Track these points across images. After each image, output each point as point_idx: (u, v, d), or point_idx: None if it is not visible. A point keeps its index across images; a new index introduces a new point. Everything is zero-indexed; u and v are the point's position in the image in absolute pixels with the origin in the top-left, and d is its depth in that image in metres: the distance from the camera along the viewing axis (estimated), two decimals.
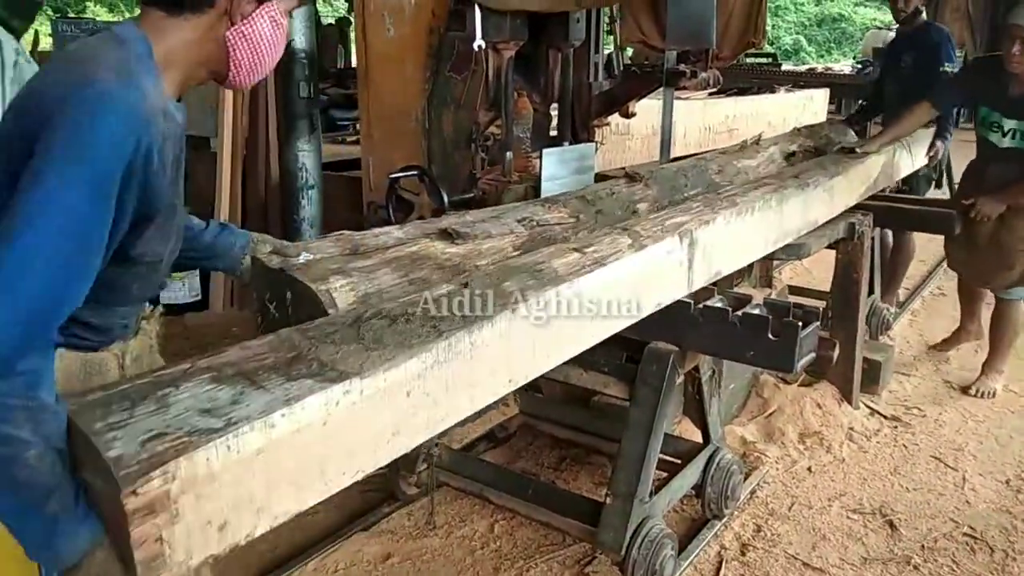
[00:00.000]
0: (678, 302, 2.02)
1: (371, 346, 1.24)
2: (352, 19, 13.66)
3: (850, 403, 3.33)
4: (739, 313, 2.01)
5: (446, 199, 2.94)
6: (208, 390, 1.06)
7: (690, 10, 2.86)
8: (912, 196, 3.89)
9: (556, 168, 3.14)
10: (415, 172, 3.05)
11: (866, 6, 35.44)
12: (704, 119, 5.49)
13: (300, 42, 3.72)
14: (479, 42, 3.15)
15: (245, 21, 1.28)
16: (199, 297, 4.51)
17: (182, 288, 4.46)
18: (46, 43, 7.06)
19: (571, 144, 3.65)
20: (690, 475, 2.42)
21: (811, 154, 3.40)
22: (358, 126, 6.73)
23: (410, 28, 3.36)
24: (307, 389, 1.10)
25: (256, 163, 4.56)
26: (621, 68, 4.56)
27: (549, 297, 1.54)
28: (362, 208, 3.90)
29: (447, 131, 3.43)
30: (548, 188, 3.10)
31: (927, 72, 4.00)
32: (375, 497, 2.69)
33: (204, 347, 1.23)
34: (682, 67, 3.16)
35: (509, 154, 3.28)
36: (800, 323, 1.94)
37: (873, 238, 3.40)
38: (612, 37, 4.37)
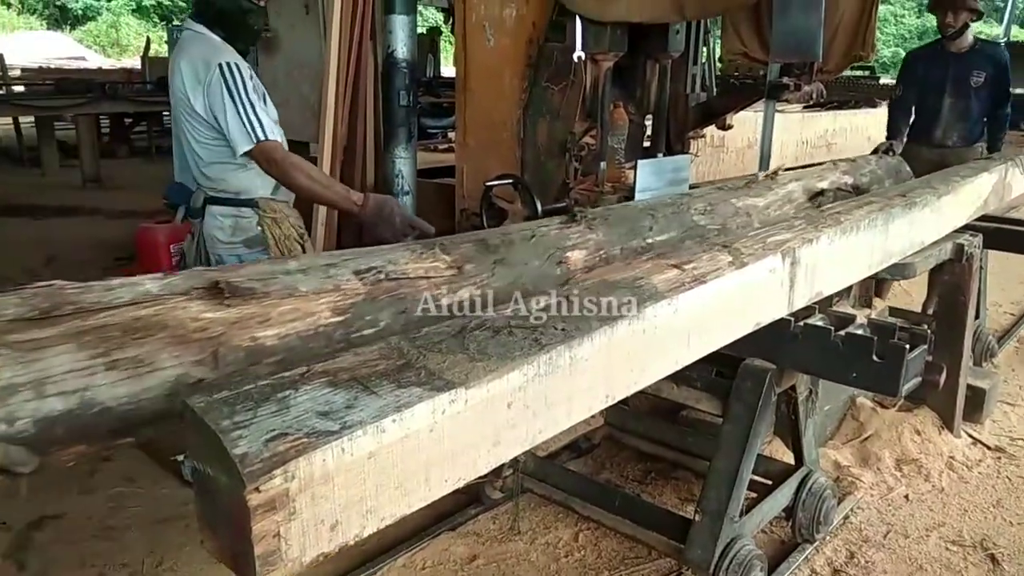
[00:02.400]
0: (778, 319, 1.98)
1: (476, 357, 1.27)
2: (444, 29, 13.96)
3: (951, 431, 3.19)
4: (842, 333, 1.96)
5: (539, 208, 2.96)
6: (325, 393, 1.10)
7: (797, 22, 2.80)
8: None
9: (650, 179, 3.13)
10: (510, 180, 3.09)
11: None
12: (801, 133, 5.37)
13: (402, 52, 3.82)
14: (579, 53, 3.18)
15: None
16: None
17: None
18: (161, 49, 7.42)
19: (665, 155, 3.63)
20: (782, 497, 2.37)
21: (847, 194, 2.82)
22: (449, 134, 6.88)
23: (510, 39, 3.40)
24: (416, 397, 1.13)
25: (353, 169, 4.68)
26: (714, 80, 4.53)
27: (648, 313, 1.54)
28: (453, 214, 3.97)
29: (542, 141, 3.46)
30: (641, 199, 3.10)
31: (999, 89, 4.24)
32: (462, 499, 2.74)
33: None
34: (785, 80, 3.10)
35: (603, 164, 3.29)
36: (907, 346, 1.87)
37: (981, 260, 3.25)
38: (706, 49, 4.33)
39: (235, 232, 2.66)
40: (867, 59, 3.23)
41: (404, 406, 1.11)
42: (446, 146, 6.27)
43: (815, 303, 2.15)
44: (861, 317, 2.35)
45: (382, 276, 1.48)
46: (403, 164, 3.98)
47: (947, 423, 3.19)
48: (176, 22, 22.49)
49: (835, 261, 2.16)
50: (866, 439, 3.10)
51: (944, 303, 3.15)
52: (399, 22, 3.80)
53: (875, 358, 1.90)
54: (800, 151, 5.26)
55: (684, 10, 3.06)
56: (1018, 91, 13.70)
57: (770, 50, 3.00)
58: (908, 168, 3.49)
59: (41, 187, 8.96)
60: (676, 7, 3.05)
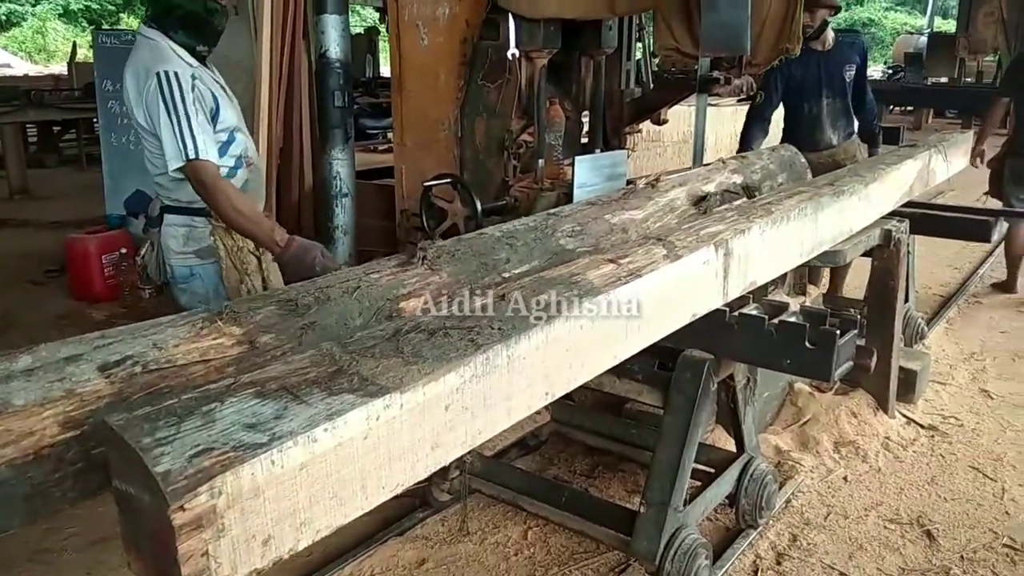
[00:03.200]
0: (714, 309, 2.01)
1: (410, 360, 1.25)
2: (381, 29, 13.83)
3: (886, 412, 3.29)
4: (775, 321, 2.00)
5: (479, 207, 2.96)
6: (252, 405, 1.07)
7: (724, 17, 2.84)
8: (949, 204, 3.83)
9: (588, 175, 3.15)
10: (449, 180, 3.08)
11: (896, 11, 35.06)
12: (735, 125, 5.46)
13: (335, 52, 3.77)
14: (513, 50, 3.18)
15: None
16: None
17: None
18: (88, 55, 7.21)
19: (603, 151, 3.66)
20: (724, 484, 2.41)
21: (735, 195, 2.69)
22: (389, 135, 6.81)
23: (444, 38, 3.39)
24: (348, 404, 1.11)
25: (290, 171, 4.62)
26: (648, 75, 4.56)
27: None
28: (395, 215, 3.94)
29: (479, 139, 3.46)
30: (580, 195, 3.11)
31: (863, 75, 4.28)
32: (409, 503, 2.72)
33: None
34: (716, 74, 3.14)
35: (541, 161, 3.30)
36: (838, 331, 1.92)
37: (909, 245, 3.35)
38: (640, 45, 4.36)
39: (188, 242, 2.58)
40: (793, 52, 3.29)
41: (336, 414, 1.09)
42: (386, 146, 6.20)
43: (750, 292, 2.19)
44: (794, 305, 2.41)
45: (137, 369, 1.21)
46: (340, 166, 3.93)
47: (882, 404, 3.28)
48: (105, 26, 21.85)
49: (767, 251, 2.20)
50: (805, 423, 3.17)
51: (874, 288, 3.24)
52: (331, 22, 3.75)
53: (808, 345, 1.94)
54: (734, 143, 5.36)
55: (614, 6, 3.09)
56: (942, 80, 14.06)
57: (700, 44, 3.03)
58: (803, 159, 3.36)
59: None
60: (607, 3, 3.08)
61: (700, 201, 2.56)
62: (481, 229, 2.83)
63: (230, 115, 2.62)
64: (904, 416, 3.38)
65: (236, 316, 1.39)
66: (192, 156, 2.36)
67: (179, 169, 2.40)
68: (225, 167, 2.61)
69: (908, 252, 3.28)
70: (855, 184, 2.76)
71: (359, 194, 4.19)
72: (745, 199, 2.82)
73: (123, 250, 5.06)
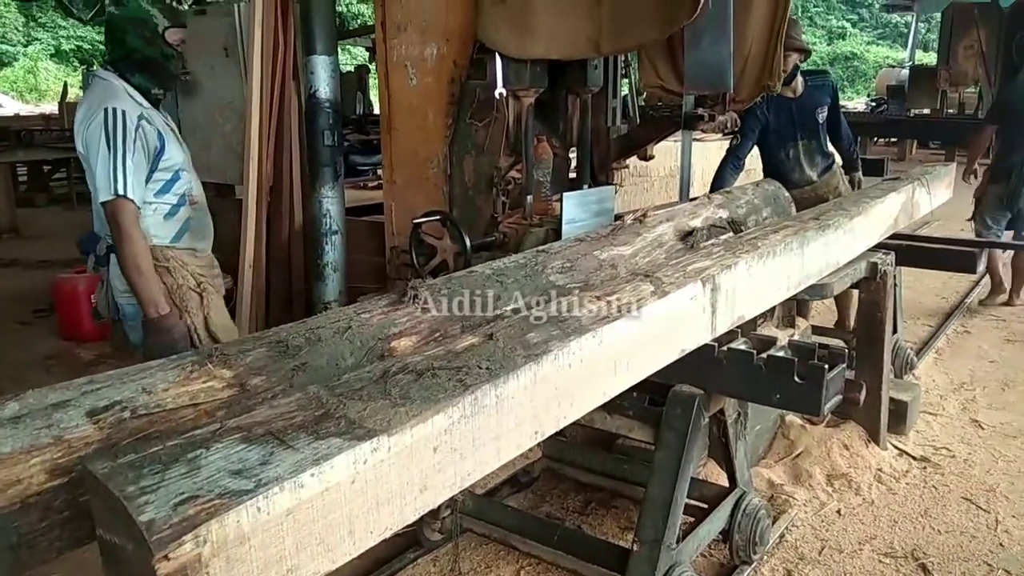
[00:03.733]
0: (703, 344, 2.01)
1: (398, 402, 1.25)
2: (371, 67, 13.99)
3: (877, 444, 3.29)
4: (764, 356, 2.00)
5: (468, 243, 2.97)
6: (238, 451, 1.07)
7: (707, 56, 2.89)
8: (934, 236, 3.87)
9: (576, 210, 3.17)
10: (438, 217, 3.09)
11: (878, 44, 35.72)
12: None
13: (324, 92, 3.80)
14: (500, 90, 3.21)
15: None
16: None
17: None
18: (78, 94, 7.26)
19: (590, 187, 3.69)
20: (717, 520, 2.39)
21: (721, 230, 2.70)
22: (378, 171, 6.86)
23: (432, 78, 3.43)
24: (335, 448, 1.11)
25: (280, 209, 4.63)
26: (635, 112, 4.62)
27: (574, 348, 1.55)
28: (384, 252, 3.95)
29: (468, 176, 3.48)
30: (568, 231, 3.13)
31: (836, 112, 4.34)
32: (400, 543, 2.69)
33: None
34: (700, 111, 3.18)
35: (529, 198, 3.32)
36: (826, 365, 1.92)
37: (896, 276, 3.37)
38: (627, 82, 4.42)
39: None
40: (774, 89, 3.34)
41: (323, 458, 1.09)
42: (376, 183, 6.24)
43: (738, 327, 2.20)
44: (783, 338, 2.42)
45: (126, 414, 1.19)
46: (330, 203, 3.94)
47: (873, 436, 3.28)
48: (96, 66, 22.01)
49: (754, 285, 2.21)
50: (797, 456, 3.17)
51: (862, 320, 3.25)
52: (320, 62, 3.79)
53: (796, 379, 1.95)
54: None
55: (600, 46, 3.13)
56: (925, 111, 14.24)
57: (684, 82, 3.08)
58: (787, 193, 3.33)
59: None
60: (592, 43, 3.12)
61: (687, 236, 2.57)
62: (471, 266, 2.85)
63: (176, 154, 2.72)
64: (896, 448, 3.37)
65: (226, 358, 1.37)
66: (120, 192, 2.44)
67: (105, 203, 2.47)
68: (168, 204, 2.71)
69: (895, 284, 3.31)
70: (840, 218, 2.79)
71: (349, 231, 4.21)
72: (731, 233, 2.85)
73: None
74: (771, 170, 4.32)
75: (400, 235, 3.73)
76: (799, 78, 4.22)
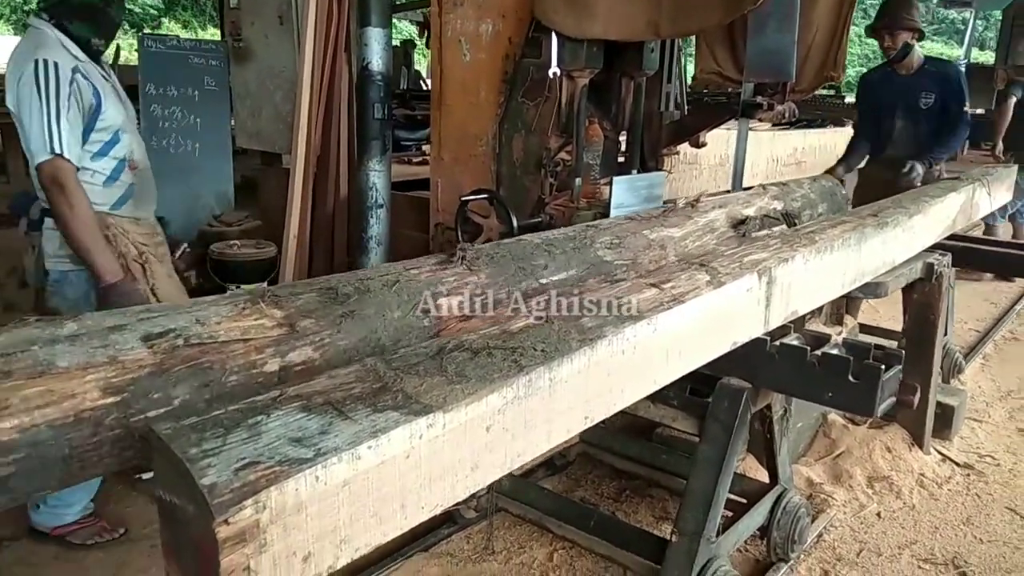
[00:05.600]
0: (754, 338, 1.98)
1: (454, 379, 1.24)
2: (417, 42, 13.94)
3: (921, 448, 3.22)
4: (818, 353, 1.96)
5: (515, 223, 2.95)
6: (298, 419, 1.07)
7: (771, 43, 2.83)
8: (992, 238, 3.77)
9: (625, 195, 3.14)
10: (485, 196, 3.07)
11: (934, 40, 34.75)
12: (772, 151, 5.42)
13: (377, 64, 3.79)
14: (554, 69, 3.17)
15: None
16: None
17: None
18: (131, 57, 7.31)
19: (639, 172, 3.64)
20: (757, 516, 2.36)
21: (775, 221, 2.69)
22: (423, 147, 6.85)
23: (486, 54, 3.39)
24: (393, 421, 1.10)
25: (327, 181, 4.64)
26: (683, 98, 4.55)
27: (628, 335, 1.53)
28: (428, 228, 3.95)
29: (517, 156, 3.45)
30: (616, 215, 3.10)
31: (950, 109, 4.23)
32: (435, 519, 2.69)
33: None
34: (759, 99, 3.12)
35: (578, 180, 3.29)
36: (882, 366, 1.88)
37: (950, 278, 3.29)
38: (677, 68, 4.34)
39: (62, 245, 2.42)
40: (839, 80, 3.26)
41: (380, 431, 1.08)
42: (420, 159, 6.23)
43: (790, 322, 2.16)
44: (835, 336, 2.37)
45: (180, 342, 1.21)
46: (377, 177, 3.94)
47: (917, 440, 3.21)
48: (147, 30, 22.23)
49: (810, 280, 2.17)
50: (838, 456, 3.11)
51: (914, 321, 3.18)
52: (374, 35, 3.77)
53: (851, 379, 1.90)
54: (771, 168, 5.32)
55: (659, 28, 3.07)
56: (978, 111, 13.90)
57: (744, 69, 3.01)
58: (844, 191, 3.37)
59: None
60: (651, 26, 3.06)
61: (739, 224, 2.55)
62: (523, 236, 2.84)
63: (114, 114, 2.51)
64: (940, 453, 3.30)
65: (277, 299, 1.39)
66: (57, 150, 2.25)
67: (41, 164, 2.27)
68: (106, 169, 2.52)
69: (950, 286, 3.22)
70: (899, 215, 2.72)
71: (394, 205, 4.21)
72: (784, 226, 2.80)
73: None
74: (873, 145, 4.48)
75: (445, 212, 3.72)
76: (915, 58, 4.28)
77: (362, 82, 3.86)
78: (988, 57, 20.24)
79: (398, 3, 7.12)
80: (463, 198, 3.03)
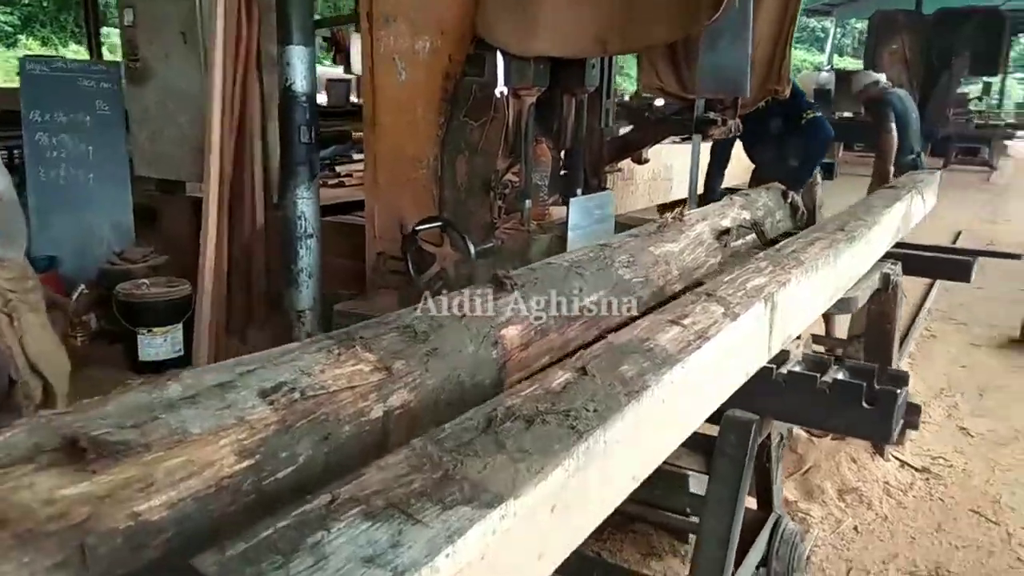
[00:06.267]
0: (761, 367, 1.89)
1: (516, 456, 1.07)
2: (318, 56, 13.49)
3: (882, 456, 3.24)
4: (828, 379, 1.89)
5: (472, 249, 2.79)
6: (364, 530, 0.87)
7: (724, 59, 2.78)
8: (930, 244, 3.86)
9: (581, 217, 3.04)
10: (438, 223, 2.90)
11: (795, 47, 36.74)
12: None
13: (301, 85, 3.53)
14: (501, 88, 3.04)
15: None
16: (181, 353, 4.24)
17: (164, 344, 4.19)
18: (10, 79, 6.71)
19: (582, 189, 3.55)
20: (759, 548, 2.27)
21: (746, 231, 2.81)
22: (336, 167, 6.52)
23: (424, 73, 3.22)
24: (467, 519, 0.93)
25: (242, 209, 4.34)
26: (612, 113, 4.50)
27: (666, 380, 1.40)
28: (363, 256, 3.71)
29: (461, 178, 3.29)
30: (573, 237, 2.98)
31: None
32: None
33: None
34: (711, 115, 3.07)
35: (528, 202, 3.16)
36: (897, 390, 1.82)
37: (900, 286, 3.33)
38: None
39: None
40: (781, 93, 3.26)
41: (456, 534, 0.90)
42: (335, 180, 5.93)
43: (786, 347, 2.09)
44: (794, 351, 2.30)
45: (296, 395, 1.11)
46: (305, 205, 3.68)
47: (878, 448, 3.23)
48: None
49: (801, 301, 2.11)
50: (807, 471, 3.10)
51: (872, 332, 3.20)
52: (297, 53, 3.52)
53: (864, 404, 1.83)
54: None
55: (608, 45, 2.98)
56: (846, 115, 14.60)
57: (697, 85, 2.96)
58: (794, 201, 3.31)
59: None
60: (599, 43, 2.97)
61: (721, 235, 2.57)
62: (471, 275, 2.69)
63: None
64: (896, 459, 3.34)
65: (367, 343, 1.29)
66: None
67: None
68: None
69: (903, 295, 3.27)
70: (861, 228, 2.72)
71: (324, 234, 3.94)
72: (754, 235, 2.79)
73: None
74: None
75: (385, 239, 3.50)
76: None
77: (286, 104, 3.60)
78: (846, 63, 21.60)
79: (320, 19, 6.80)
80: (415, 228, 2.84)
